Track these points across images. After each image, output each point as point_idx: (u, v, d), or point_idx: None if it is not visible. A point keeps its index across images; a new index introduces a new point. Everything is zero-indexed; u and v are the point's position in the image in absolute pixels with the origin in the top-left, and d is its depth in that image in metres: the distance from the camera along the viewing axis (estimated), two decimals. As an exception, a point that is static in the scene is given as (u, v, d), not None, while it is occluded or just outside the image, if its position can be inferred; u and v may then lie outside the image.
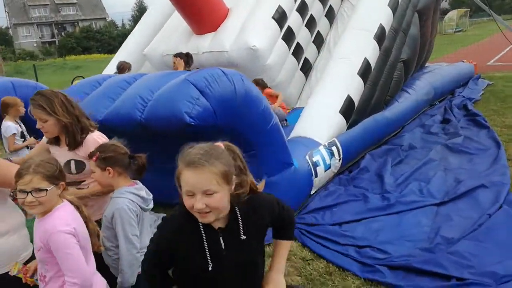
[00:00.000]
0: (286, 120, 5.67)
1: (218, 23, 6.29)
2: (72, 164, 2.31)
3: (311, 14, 6.75)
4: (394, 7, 5.89)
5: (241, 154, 1.56)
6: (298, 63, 6.53)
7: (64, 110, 2.25)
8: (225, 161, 1.42)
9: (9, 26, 64.18)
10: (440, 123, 6.92)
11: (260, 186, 1.64)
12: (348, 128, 5.11)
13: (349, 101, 5.03)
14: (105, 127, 3.42)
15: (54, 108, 2.22)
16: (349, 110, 5.03)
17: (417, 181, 4.55)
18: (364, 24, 5.60)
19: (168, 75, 3.39)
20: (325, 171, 4.48)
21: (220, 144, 1.52)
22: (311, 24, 6.75)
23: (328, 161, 4.53)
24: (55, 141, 2.36)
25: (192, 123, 2.91)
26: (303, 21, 6.57)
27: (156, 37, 7.00)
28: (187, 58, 5.58)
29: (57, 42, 61.64)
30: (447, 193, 4.18)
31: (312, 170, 4.28)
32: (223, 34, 6.14)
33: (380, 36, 5.59)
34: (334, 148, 4.68)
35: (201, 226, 1.48)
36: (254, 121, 3.48)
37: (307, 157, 4.29)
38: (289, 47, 6.31)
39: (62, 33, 63.21)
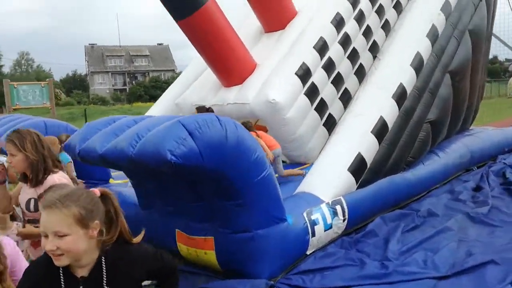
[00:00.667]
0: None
1: (245, 77, 6.52)
2: (32, 202, 2.44)
3: (338, 72, 6.79)
4: (417, 67, 5.80)
5: (116, 202, 1.56)
6: (321, 118, 6.52)
7: (33, 148, 2.42)
8: (82, 205, 1.42)
9: (87, 73, 70.32)
10: (471, 190, 6.49)
11: (138, 237, 1.62)
12: (359, 187, 4.95)
13: (360, 159, 4.91)
14: (105, 160, 3.62)
15: (24, 145, 2.40)
16: (359, 169, 4.90)
17: (424, 250, 4.23)
18: (383, 83, 5.55)
19: (170, 117, 3.54)
20: (325, 230, 4.32)
21: (96, 190, 1.55)
22: (338, 81, 6.78)
23: (329, 221, 4.38)
24: (24, 178, 2.52)
25: (173, 161, 2.98)
26: (328, 77, 6.63)
27: (189, 88, 7.37)
28: (207, 111, 5.80)
29: (127, 89, 66.33)
30: (453, 266, 3.84)
31: (309, 228, 4.15)
32: (247, 87, 6.35)
33: (399, 95, 5.50)
34: (338, 207, 4.53)
35: (61, 274, 1.46)
36: (244, 169, 3.49)
37: (304, 214, 4.18)
38: (312, 103, 6.35)
39: (133, 82, 68.08)
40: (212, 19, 6.00)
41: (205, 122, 3.22)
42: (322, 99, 6.54)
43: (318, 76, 6.47)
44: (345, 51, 6.91)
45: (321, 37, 6.54)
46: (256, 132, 5.47)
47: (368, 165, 5.04)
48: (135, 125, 3.63)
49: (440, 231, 4.76)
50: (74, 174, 5.47)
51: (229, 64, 6.42)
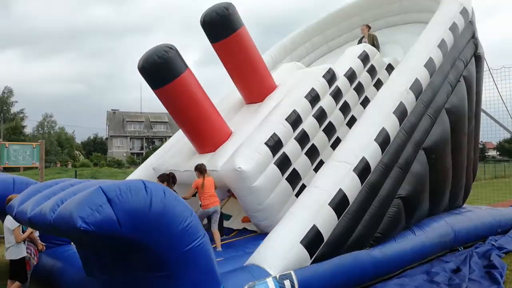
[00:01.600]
0: None
1: (218, 145, 6.63)
2: None
3: (313, 144, 6.85)
4: (383, 142, 5.80)
5: None
6: (293, 188, 6.47)
7: None
8: None
9: (107, 137, 72.53)
10: (450, 272, 6.16)
11: None
12: (314, 262, 4.77)
13: (315, 232, 4.78)
14: (32, 224, 3.62)
15: None
16: (314, 242, 4.75)
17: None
18: (345, 156, 5.54)
19: (102, 183, 3.55)
20: (268, 306, 4.11)
21: None
22: (312, 152, 6.82)
23: (274, 296, 4.18)
24: None
25: (83, 228, 2.95)
26: (302, 149, 6.68)
27: (166, 154, 7.50)
28: (168, 178, 5.88)
29: (144, 153, 67.72)
30: None
31: (249, 303, 3.96)
32: (219, 155, 6.43)
33: (362, 170, 5.45)
34: (287, 283, 4.33)
35: None
36: (171, 239, 3.43)
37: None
38: (283, 173, 6.34)
39: (150, 147, 69.62)
40: (186, 90, 6.26)
41: (128, 189, 3.23)
42: (294, 169, 6.54)
43: (291, 147, 6.52)
44: (320, 124, 7.03)
45: (294, 110, 6.69)
46: (203, 177, 6.00)
47: (325, 239, 4.89)
48: (68, 189, 3.66)
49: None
50: (37, 234, 5.44)
51: (202, 132, 6.57)
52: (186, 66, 6.35)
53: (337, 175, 5.32)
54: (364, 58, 8.11)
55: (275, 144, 6.33)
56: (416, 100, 6.47)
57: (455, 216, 7.71)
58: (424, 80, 6.63)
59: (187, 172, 6.71)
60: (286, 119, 6.58)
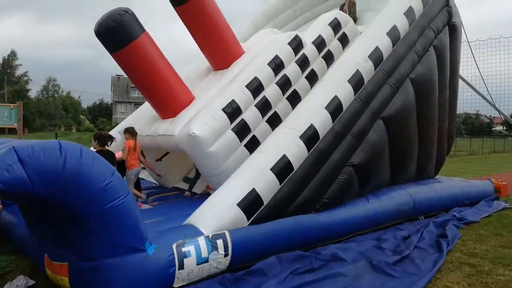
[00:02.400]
0: None
1: (179, 110, 6.68)
2: None
3: (275, 111, 6.86)
4: (334, 110, 5.83)
5: None
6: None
7: None
8: None
9: (112, 103, 72.82)
10: (401, 239, 6.31)
11: None
12: (253, 223, 4.91)
13: (254, 196, 4.91)
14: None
15: None
16: (252, 205, 4.89)
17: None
18: (293, 123, 5.60)
19: (21, 143, 3.65)
20: (197, 264, 4.29)
21: None
22: (274, 120, 6.79)
23: (204, 254, 4.36)
24: None
25: (-5, 185, 3.08)
26: (263, 116, 6.70)
27: (130, 118, 7.60)
28: (100, 136, 6.25)
29: (147, 120, 68.08)
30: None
31: (176, 260, 4.13)
32: (178, 120, 6.50)
33: (310, 136, 5.51)
34: (219, 242, 4.50)
35: None
36: (88, 198, 3.56)
37: (174, 246, 4.17)
38: (241, 139, 6.39)
39: (154, 113, 69.86)
40: (142, 54, 6.25)
41: (41, 149, 3.34)
42: (254, 136, 6.56)
43: (251, 114, 6.54)
44: (284, 92, 7.01)
45: (255, 77, 6.68)
46: (135, 140, 6.53)
47: (265, 203, 5.02)
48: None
49: (330, 276, 4.66)
50: None
51: (162, 98, 6.62)
52: (143, 30, 6.32)
53: (283, 141, 5.41)
54: (336, 25, 7.94)
55: (233, 111, 6.35)
56: (376, 69, 6.42)
57: (420, 187, 7.80)
58: (385, 48, 6.56)
59: (148, 136, 6.82)
60: (246, 86, 6.57)
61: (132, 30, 6.13)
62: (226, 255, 4.54)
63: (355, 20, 9.53)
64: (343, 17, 8.21)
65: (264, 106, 6.73)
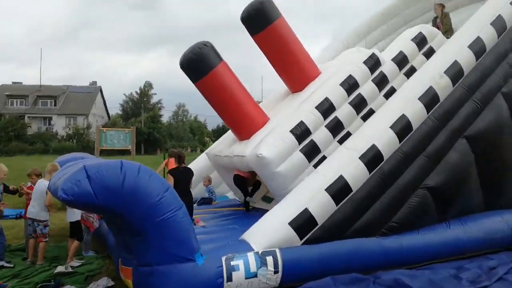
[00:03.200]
0: None
1: (254, 132, 7.07)
2: None
3: (348, 131, 6.83)
4: (401, 130, 5.58)
5: None
6: (322, 176, 6.60)
7: None
8: None
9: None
10: (487, 269, 5.67)
11: None
12: (307, 243, 4.97)
13: (307, 215, 4.97)
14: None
15: None
16: (305, 225, 4.96)
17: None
18: (354, 143, 5.52)
19: (95, 161, 4.38)
20: (246, 278, 4.52)
21: None
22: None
23: (253, 269, 4.57)
24: None
25: (62, 198, 3.78)
26: (334, 137, 6.74)
27: (218, 141, 8.22)
28: (174, 155, 6.66)
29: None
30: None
31: (224, 272, 4.42)
32: (251, 142, 6.88)
33: (372, 158, 5.38)
34: (269, 258, 4.67)
35: None
36: (143, 210, 4.09)
37: (223, 259, 4.48)
38: (310, 160, 6.51)
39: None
40: (220, 81, 6.82)
41: (106, 168, 3.98)
42: (324, 156, 6.63)
43: (321, 135, 6.63)
44: (358, 112, 6.95)
45: (326, 98, 6.77)
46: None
47: (319, 223, 5.04)
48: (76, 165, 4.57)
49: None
50: None
51: (237, 121, 7.09)
52: (220, 60, 6.91)
53: (340, 162, 5.37)
54: (421, 40, 7.66)
55: (301, 132, 6.52)
56: (454, 85, 6.00)
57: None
58: (466, 62, 6.09)
59: (227, 157, 7.33)
60: (316, 107, 6.70)
61: (209, 61, 6.75)
62: (276, 272, 4.67)
63: (451, 32, 8.97)
64: (430, 31, 7.87)
65: (335, 127, 6.78)
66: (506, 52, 6.49)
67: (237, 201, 8.62)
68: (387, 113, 5.77)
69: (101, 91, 60.15)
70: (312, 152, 6.56)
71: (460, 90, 6.06)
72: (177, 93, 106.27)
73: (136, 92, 65.82)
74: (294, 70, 7.62)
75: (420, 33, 7.72)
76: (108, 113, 62.08)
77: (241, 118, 7.07)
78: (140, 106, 61.89)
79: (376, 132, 5.57)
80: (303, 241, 4.98)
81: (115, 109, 65.78)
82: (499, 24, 6.42)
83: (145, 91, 65.90)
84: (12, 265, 5.90)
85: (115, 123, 49.45)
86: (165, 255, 4.21)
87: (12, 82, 57.53)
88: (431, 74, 5.97)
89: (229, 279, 4.44)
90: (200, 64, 6.75)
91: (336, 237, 5.18)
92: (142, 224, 4.13)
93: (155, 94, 67.94)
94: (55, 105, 54.81)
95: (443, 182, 5.90)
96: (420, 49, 7.69)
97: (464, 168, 6.15)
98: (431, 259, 5.76)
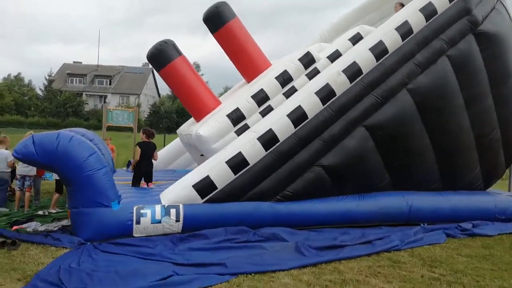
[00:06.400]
0: None
1: (205, 115, 8.58)
2: None
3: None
4: (296, 118, 6.84)
5: None
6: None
7: None
8: None
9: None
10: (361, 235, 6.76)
11: None
12: (208, 202, 6.49)
13: (208, 181, 6.47)
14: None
15: None
16: (206, 188, 6.46)
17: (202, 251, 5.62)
18: (256, 127, 6.90)
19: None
20: (151, 223, 6.14)
21: None
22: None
23: (158, 217, 6.18)
24: None
25: (15, 155, 5.60)
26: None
27: (186, 122, 9.84)
28: (146, 131, 8.22)
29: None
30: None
31: (134, 217, 6.07)
32: (200, 123, 8.42)
33: (268, 138, 6.72)
34: (173, 210, 6.26)
35: None
36: (71, 168, 5.84)
37: (134, 207, 6.13)
38: (242, 139, 7.94)
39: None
40: (177, 72, 8.37)
41: (47, 136, 5.76)
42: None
43: (254, 120, 8.00)
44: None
45: (261, 89, 8.13)
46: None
47: (219, 187, 6.52)
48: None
49: (251, 246, 5.93)
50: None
51: (192, 106, 8.63)
52: (179, 54, 8.44)
53: (241, 141, 6.79)
54: (357, 40, 8.67)
55: (237, 117, 7.96)
56: (352, 82, 7.12)
57: (426, 195, 7.91)
58: (365, 62, 7.16)
59: (187, 135, 8.93)
60: (252, 96, 8.09)
61: (168, 55, 8.31)
62: (177, 221, 6.26)
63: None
64: (368, 31, 8.86)
65: (267, 113, 8.11)
66: (411, 54, 7.45)
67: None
68: (287, 104, 7.06)
69: (153, 72, 63.65)
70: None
71: (359, 86, 7.18)
72: (226, 75, 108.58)
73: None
74: (247, 63, 9.01)
75: (358, 33, 8.75)
76: (158, 93, 65.58)
77: (195, 103, 8.61)
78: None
79: (275, 119, 6.89)
80: (204, 200, 6.50)
81: (166, 89, 69.45)
82: (403, 28, 7.39)
83: (193, 72, 68.67)
84: (8, 209, 7.93)
85: (162, 103, 52.57)
86: (88, 201, 5.92)
87: (73, 61, 62.44)
88: (330, 72, 7.14)
89: (138, 222, 6.09)
90: (160, 57, 8.35)
91: (234, 199, 6.64)
92: (71, 177, 5.87)
93: (203, 74, 70.46)
94: (110, 84, 59.03)
95: (338, 163, 7.13)
96: (356, 48, 8.73)
97: (362, 152, 7.30)
98: (320, 224, 7.04)
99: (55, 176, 8.06)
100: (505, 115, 8.73)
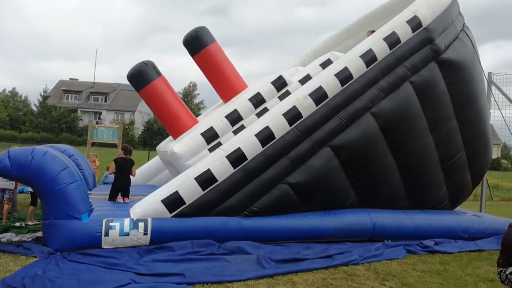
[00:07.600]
0: None
1: (182, 133, 8.95)
2: None
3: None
4: (264, 138, 7.20)
5: None
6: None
7: None
8: None
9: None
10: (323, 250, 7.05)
11: None
12: (177, 217, 6.79)
13: (177, 196, 6.79)
14: None
15: None
16: (174, 203, 6.77)
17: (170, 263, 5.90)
18: (225, 146, 7.25)
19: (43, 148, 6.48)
20: (120, 235, 6.42)
21: None
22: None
23: (126, 230, 6.46)
24: None
25: (-8, 170, 5.94)
26: (238, 140, 8.46)
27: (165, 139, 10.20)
28: (125, 148, 8.51)
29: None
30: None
31: (103, 230, 6.36)
32: (176, 140, 8.78)
33: (236, 157, 7.07)
34: (141, 224, 6.55)
35: None
36: (44, 182, 6.17)
37: (104, 220, 6.42)
38: (215, 158, 8.30)
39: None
40: (156, 92, 8.78)
41: (21, 151, 6.10)
42: (228, 156, 8.38)
43: (227, 138, 8.37)
44: (262, 121, 8.62)
45: (235, 110, 8.54)
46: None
47: (187, 203, 6.83)
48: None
49: (214, 259, 6.21)
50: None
51: (170, 123, 9.01)
52: (159, 75, 8.86)
53: (211, 159, 7.14)
54: (327, 65, 9.14)
55: (210, 135, 8.35)
56: (318, 105, 7.52)
57: (390, 213, 8.22)
58: (330, 87, 7.58)
59: (163, 152, 9.27)
60: (226, 116, 8.50)
61: (147, 76, 8.73)
62: (145, 234, 6.54)
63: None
64: (338, 57, 9.34)
65: (240, 132, 8.49)
66: (376, 79, 7.89)
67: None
68: (256, 125, 7.44)
69: (148, 89, 64.32)
70: (217, 151, 8.33)
71: (325, 109, 7.58)
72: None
73: (179, 92, 69.54)
74: (224, 84, 9.44)
75: (329, 59, 9.25)
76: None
77: (173, 121, 8.99)
78: (183, 105, 65.49)
79: (243, 138, 7.27)
80: (172, 214, 6.81)
81: (161, 107, 69.88)
82: (367, 56, 7.84)
83: (190, 91, 69.38)
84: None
85: (156, 120, 52.94)
86: (59, 213, 6.22)
87: (69, 78, 63.15)
88: (297, 95, 7.56)
89: (106, 234, 6.37)
90: (140, 78, 8.76)
91: (202, 214, 6.95)
92: (44, 190, 6.19)
93: (199, 94, 71.25)
94: (105, 101, 59.60)
95: (304, 180, 7.47)
96: (327, 72, 9.18)
97: (328, 171, 7.66)
98: (286, 239, 7.34)
99: (30, 189, 8.35)
100: (470, 137, 9.15)
